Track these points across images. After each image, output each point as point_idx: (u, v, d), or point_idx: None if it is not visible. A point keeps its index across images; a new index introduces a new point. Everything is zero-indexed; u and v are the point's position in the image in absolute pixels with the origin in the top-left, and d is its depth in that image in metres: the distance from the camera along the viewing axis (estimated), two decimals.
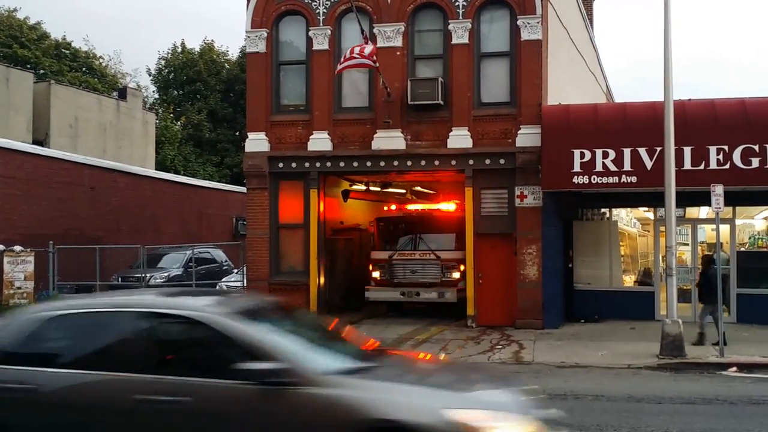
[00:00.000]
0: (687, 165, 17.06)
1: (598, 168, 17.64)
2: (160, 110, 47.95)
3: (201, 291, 8.08)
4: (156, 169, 37.21)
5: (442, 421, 5.97)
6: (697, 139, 17.13)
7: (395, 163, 19.81)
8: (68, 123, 33.36)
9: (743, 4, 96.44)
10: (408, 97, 19.18)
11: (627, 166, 17.50)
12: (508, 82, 19.31)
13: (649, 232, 22.07)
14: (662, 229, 18.39)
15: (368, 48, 18.00)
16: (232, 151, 46.52)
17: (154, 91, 51.14)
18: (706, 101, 17.94)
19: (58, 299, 7.75)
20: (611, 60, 75.00)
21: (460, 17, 19.30)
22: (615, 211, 21.57)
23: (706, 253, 18.22)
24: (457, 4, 19.31)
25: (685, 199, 17.29)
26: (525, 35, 18.92)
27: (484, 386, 6.94)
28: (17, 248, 22.49)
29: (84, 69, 46.77)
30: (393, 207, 22.42)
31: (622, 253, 21.23)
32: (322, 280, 20.34)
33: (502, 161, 19.07)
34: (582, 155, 17.74)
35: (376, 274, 20.91)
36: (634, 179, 17.48)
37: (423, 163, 19.67)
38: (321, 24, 20.14)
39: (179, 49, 49.15)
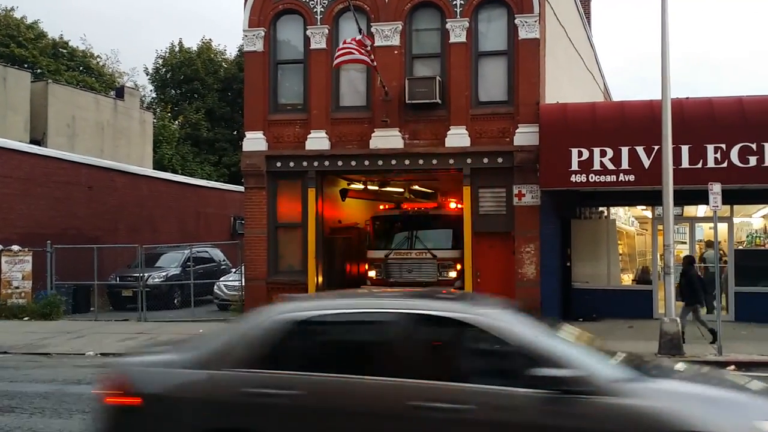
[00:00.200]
0: (685, 163, 17.08)
1: (596, 167, 17.66)
2: (157, 109, 47.92)
3: (458, 295, 7.49)
4: (154, 169, 37.18)
5: None
6: (695, 138, 17.15)
7: (393, 162, 19.81)
8: (66, 122, 33.33)
9: (737, 3, 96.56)
10: (406, 96, 19.18)
11: (625, 165, 17.52)
12: (506, 81, 19.31)
13: (647, 230, 22.11)
14: (660, 227, 18.39)
15: (365, 41, 17.99)
16: (229, 151, 46.50)
17: (151, 90, 51.18)
18: (704, 100, 17.96)
19: (295, 300, 7.26)
20: (609, 59, 75.18)
21: (458, 16, 19.30)
22: (613, 209, 21.59)
23: (686, 254, 18.32)
24: (454, 3, 19.31)
25: (683, 198, 17.31)
26: (522, 34, 18.93)
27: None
28: (15, 248, 22.51)
29: (81, 68, 46.73)
30: (389, 206, 22.24)
31: (620, 251, 21.25)
32: (320, 279, 20.33)
33: (500, 160, 19.08)
34: (580, 154, 17.76)
35: (371, 274, 20.77)
36: (631, 178, 17.49)
37: (421, 162, 19.67)
38: (318, 23, 20.14)
39: (177, 49, 49.11)
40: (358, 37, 18.09)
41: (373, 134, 19.77)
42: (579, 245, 20.63)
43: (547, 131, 18.14)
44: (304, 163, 20.21)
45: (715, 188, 14.90)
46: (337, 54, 18.45)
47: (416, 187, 25.20)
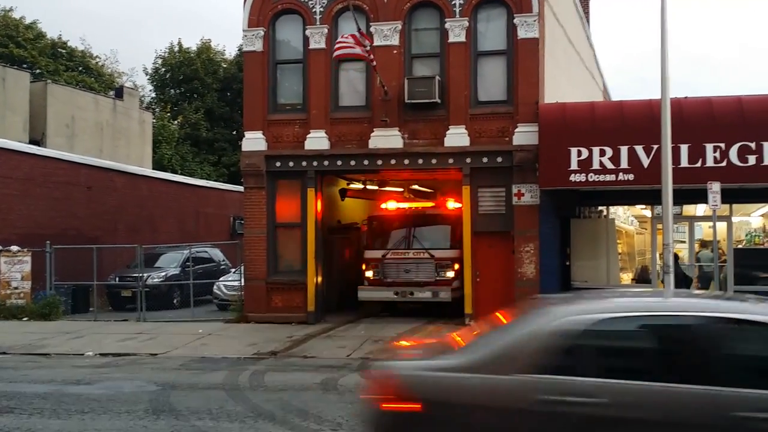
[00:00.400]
0: (684, 162, 17.07)
1: (595, 166, 17.65)
2: (157, 109, 47.91)
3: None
4: (153, 169, 37.18)
5: None
6: (694, 137, 17.14)
7: (392, 161, 19.80)
8: (65, 122, 33.32)
9: (736, 3, 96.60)
10: (405, 95, 19.17)
11: (624, 164, 17.51)
12: (505, 80, 19.31)
13: (646, 229, 22.10)
14: (659, 226, 18.38)
15: (364, 41, 18.00)
16: (229, 150, 46.51)
17: (150, 90, 51.17)
18: (703, 99, 17.96)
19: (574, 301, 6.88)
20: (608, 58, 75.14)
21: (457, 16, 19.30)
22: (612, 208, 21.56)
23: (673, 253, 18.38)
24: (453, 2, 19.31)
25: (682, 197, 17.29)
26: (522, 33, 18.93)
27: None
28: (14, 248, 22.51)
29: (80, 68, 46.72)
30: (386, 205, 22.14)
31: (620, 250, 21.22)
32: (319, 279, 20.33)
33: (499, 159, 19.08)
34: (579, 153, 17.75)
35: (369, 274, 20.71)
36: (631, 177, 17.49)
37: (420, 161, 19.66)
38: (318, 23, 20.13)
39: (176, 49, 49.12)
40: (356, 33, 18.08)
41: (372, 134, 19.76)
42: (578, 244, 20.60)
43: (546, 131, 18.14)
44: (304, 163, 20.20)
45: (714, 187, 14.90)
46: (336, 47, 18.45)
47: (416, 187, 25.19)
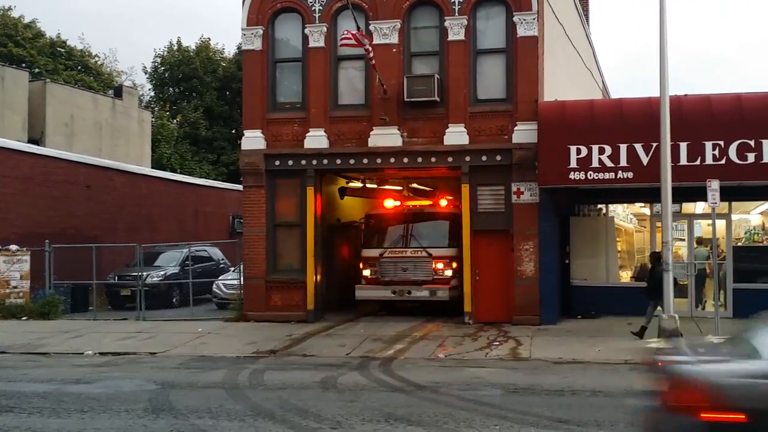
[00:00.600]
0: (683, 160, 17.07)
1: (595, 164, 17.65)
2: (156, 108, 47.87)
3: None
4: (152, 168, 37.15)
5: None
6: (693, 135, 17.14)
7: (392, 160, 19.79)
8: (64, 122, 33.30)
9: (734, 1, 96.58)
10: (404, 94, 19.16)
11: (623, 162, 17.51)
12: (505, 78, 19.30)
13: (645, 227, 22.10)
14: (658, 224, 18.39)
15: (364, 40, 18.00)
16: (228, 149, 46.49)
17: (150, 89, 51.13)
18: (702, 97, 17.96)
19: None
20: (606, 55, 75.13)
21: (456, 14, 19.29)
22: (611, 206, 21.59)
23: (655, 250, 18.42)
24: (453, 0, 19.29)
25: (681, 195, 17.31)
26: (521, 32, 18.92)
27: None
28: (13, 247, 22.50)
29: (79, 67, 46.68)
30: (384, 203, 22.01)
31: (619, 248, 21.26)
32: (318, 277, 20.32)
33: (498, 158, 19.07)
34: (578, 151, 17.75)
35: (366, 272, 20.61)
36: (630, 175, 17.49)
37: (419, 160, 19.66)
38: (317, 21, 20.12)
39: (175, 47, 49.08)
40: (355, 31, 18.06)
41: (371, 132, 19.76)
42: (578, 242, 20.64)
43: (545, 129, 18.14)
44: (303, 162, 20.19)
45: (714, 185, 14.90)
46: (340, 38, 18.40)
47: (415, 185, 25.17)
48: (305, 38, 20.30)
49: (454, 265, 19.92)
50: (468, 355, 15.19)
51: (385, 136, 19.60)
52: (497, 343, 16.38)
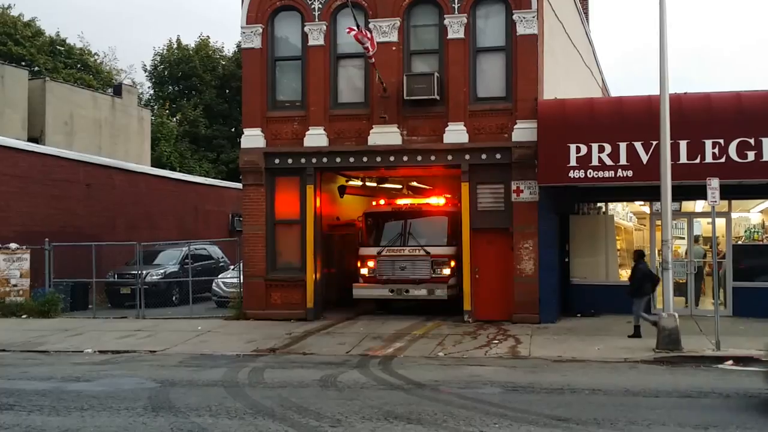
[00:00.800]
0: (683, 159, 17.08)
1: (594, 162, 17.65)
2: (155, 107, 47.85)
3: None
4: (152, 166, 37.14)
5: None
6: (693, 133, 17.14)
7: (391, 158, 19.79)
8: (63, 120, 33.29)
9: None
10: (404, 92, 19.16)
11: (623, 160, 17.52)
12: (504, 76, 19.30)
13: (645, 226, 22.10)
14: (658, 222, 18.37)
15: (364, 39, 17.97)
16: (227, 148, 46.49)
17: (149, 87, 51.10)
18: (702, 95, 17.96)
19: None
20: (606, 53, 75.08)
21: (456, 12, 19.28)
22: (611, 205, 21.59)
23: (637, 248, 18.43)
24: None
25: (681, 193, 17.31)
26: (521, 30, 18.91)
27: None
28: (13, 246, 22.52)
29: (79, 66, 46.66)
30: (382, 202, 21.86)
31: (619, 247, 21.26)
32: (318, 276, 20.32)
33: (498, 156, 19.06)
34: (578, 149, 17.75)
35: (364, 271, 20.53)
36: (630, 173, 17.49)
37: (419, 158, 19.65)
38: (316, 19, 20.11)
39: (175, 45, 49.06)
40: (355, 31, 18.03)
41: (371, 131, 19.76)
42: (577, 241, 20.64)
43: (545, 127, 18.14)
44: (303, 160, 20.19)
45: (713, 183, 14.90)
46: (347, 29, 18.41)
47: (414, 184, 25.15)
48: (305, 36, 20.29)
49: (453, 263, 19.89)
50: (468, 353, 15.20)
51: (385, 135, 19.60)
52: (497, 341, 16.39)
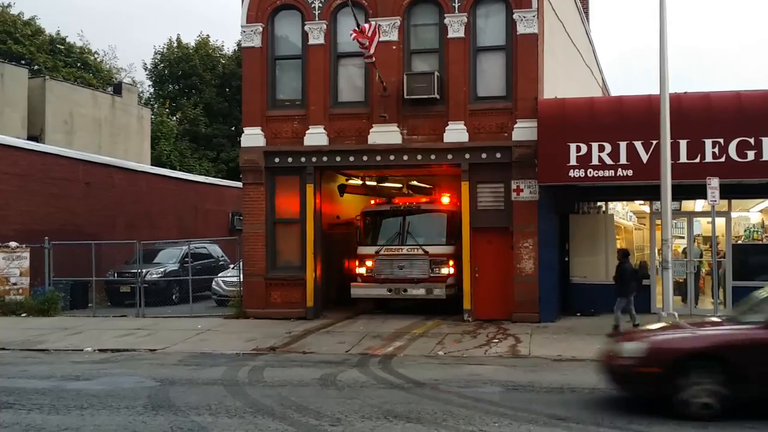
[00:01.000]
0: (683, 158, 17.08)
1: (594, 161, 17.65)
2: (155, 105, 47.84)
3: None
4: (152, 165, 37.12)
5: None
6: (693, 132, 17.14)
7: (391, 157, 19.78)
8: (63, 119, 33.28)
9: None
10: (404, 91, 19.16)
11: (623, 160, 17.52)
12: (504, 76, 19.29)
13: (645, 225, 22.12)
14: (658, 222, 18.38)
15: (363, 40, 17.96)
16: (227, 146, 46.47)
17: (149, 86, 51.07)
18: (702, 94, 17.95)
19: None
20: (607, 53, 75.14)
21: (456, 11, 19.28)
22: (611, 204, 21.60)
23: (621, 247, 18.45)
24: None
25: (680, 192, 17.31)
26: (521, 29, 18.91)
27: None
28: (12, 244, 22.51)
29: (79, 64, 46.63)
30: (381, 200, 21.83)
31: (618, 246, 21.24)
32: (318, 274, 20.31)
33: (498, 155, 19.06)
34: (578, 149, 17.75)
35: (361, 270, 20.47)
36: (630, 173, 17.49)
37: (419, 157, 19.65)
38: (316, 18, 20.11)
39: (175, 44, 49.04)
40: (355, 33, 18.02)
41: (371, 130, 19.75)
42: (577, 240, 20.64)
43: (545, 126, 18.14)
44: (303, 159, 20.19)
45: (713, 183, 14.91)
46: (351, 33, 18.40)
47: (414, 183, 25.14)
48: (305, 35, 20.28)
49: (451, 262, 19.85)
50: (467, 352, 15.20)
51: (385, 134, 19.60)
52: (497, 340, 16.39)
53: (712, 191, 14.90)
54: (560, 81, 21.29)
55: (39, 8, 59.00)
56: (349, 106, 20.15)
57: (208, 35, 50.69)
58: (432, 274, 19.86)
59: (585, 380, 12.27)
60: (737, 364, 9.49)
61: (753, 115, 17.20)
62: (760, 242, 20.32)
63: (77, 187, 27.43)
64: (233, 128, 46.74)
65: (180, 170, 39.67)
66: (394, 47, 19.60)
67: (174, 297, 25.54)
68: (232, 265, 26.00)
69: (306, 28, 20.22)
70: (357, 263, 20.70)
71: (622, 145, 17.50)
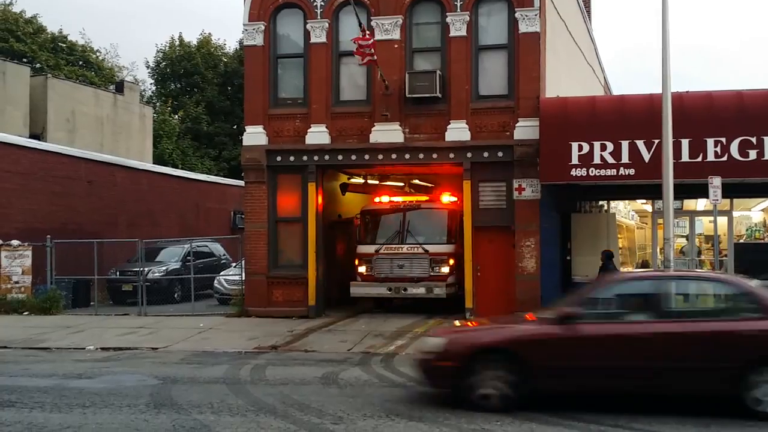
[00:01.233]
0: (685, 157, 17.06)
1: (596, 160, 17.64)
2: (157, 104, 47.86)
3: None
4: (154, 163, 37.13)
5: None
6: (695, 131, 17.13)
7: (393, 156, 19.78)
8: (65, 117, 33.30)
9: None
10: (406, 90, 19.16)
11: (625, 159, 17.50)
12: (506, 74, 19.28)
13: (647, 224, 22.10)
14: (660, 221, 18.41)
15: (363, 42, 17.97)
16: (229, 145, 46.46)
17: (151, 84, 51.08)
18: (704, 93, 17.94)
19: None
20: (609, 52, 75.09)
21: (458, 10, 19.27)
22: (613, 203, 21.57)
23: (606, 249, 18.46)
24: None
25: (682, 192, 17.30)
26: (523, 28, 18.90)
27: None
28: (14, 243, 22.54)
29: (81, 63, 46.66)
30: (380, 199, 21.73)
31: (620, 245, 21.22)
32: (320, 273, 20.31)
33: (500, 154, 19.06)
34: (580, 148, 17.74)
35: (361, 269, 20.40)
36: (631, 171, 17.48)
37: (421, 156, 19.65)
38: (319, 17, 20.11)
39: (177, 43, 49.04)
40: (358, 40, 18.00)
41: (373, 128, 19.75)
42: (579, 239, 20.60)
43: (547, 125, 18.13)
44: (305, 158, 20.19)
45: (715, 182, 14.89)
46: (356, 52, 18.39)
47: (416, 182, 25.11)
48: (307, 34, 20.28)
49: (452, 261, 19.82)
50: None
51: (387, 132, 19.60)
52: None
53: (714, 190, 14.89)
54: (562, 80, 21.28)
55: (40, 6, 59.10)
56: (351, 105, 20.15)
57: (210, 34, 50.83)
58: (432, 273, 19.83)
59: None
60: (526, 358, 9.97)
61: (755, 114, 17.18)
62: (762, 241, 20.31)
63: (79, 185, 27.44)
64: (235, 126, 46.73)
65: (182, 169, 39.69)
66: (396, 46, 19.59)
67: (176, 295, 25.55)
68: (234, 264, 26.02)
69: (308, 26, 20.22)
70: (357, 262, 20.66)
71: (624, 144, 17.49)
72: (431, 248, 19.93)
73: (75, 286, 23.70)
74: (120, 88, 38.27)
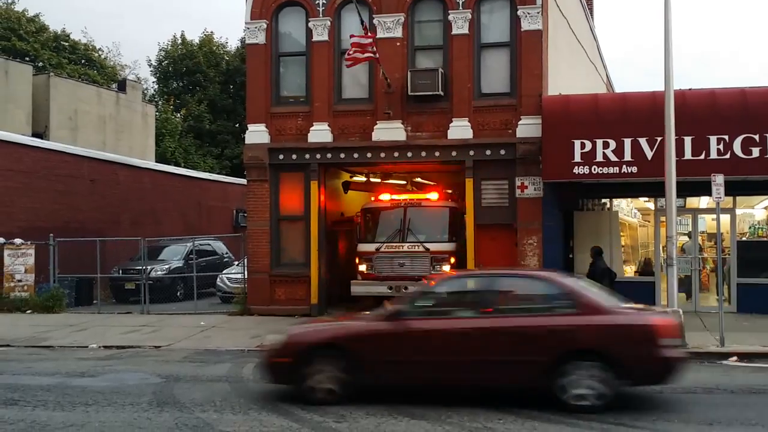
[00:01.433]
0: (687, 155, 17.05)
1: (599, 158, 17.63)
2: (159, 102, 47.88)
3: None
4: (156, 162, 37.18)
5: None
6: (698, 129, 17.11)
7: (395, 154, 19.78)
8: (68, 115, 33.34)
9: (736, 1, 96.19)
10: (408, 88, 19.15)
11: (627, 156, 17.49)
12: (509, 72, 19.27)
13: (649, 222, 22.06)
14: (663, 219, 18.38)
15: (364, 41, 17.97)
16: (232, 143, 46.48)
17: (153, 83, 51.12)
18: (706, 91, 17.91)
19: None
20: (611, 49, 74.88)
21: (460, 7, 19.25)
22: (615, 201, 21.54)
23: (594, 245, 18.42)
24: None
25: (685, 189, 17.28)
26: (525, 25, 18.88)
27: None
28: (17, 241, 22.56)
29: (83, 61, 46.70)
30: (381, 197, 21.42)
31: (623, 243, 21.23)
32: (322, 271, 20.32)
33: (502, 152, 19.05)
34: (582, 145, 17.73)
35: (362, 268, 20.16)
36: (634, 169, 17.46)
37: (423, 154, 19.64)
38: (321, 15, 20.10)
39: (179, 41, 49.06)
40: (356, 37, 18.00)
41: (375, 126, 19.75)
42: (581, 237, 20.60)
43: (549, 123, 18.11)
44: (307, 156, 20.19)
45: (718, 180, 14.86)
46: (347, 56, 18.39)
47: (419, 180, 25.05)
48: (309, 32, 20.28)
49: (453, 260, 19.75)
50: None
51: (389, 131, 19.59)
52: None
53: (717, 188, 14.86)
54: (564, 77, 21.26)
55: (43, 5, 59.13)
56: (354, 103, 20.15)
57: (212, 32, 50.78)
58: (433, 272, 19.75)
59: None
60: (356, 353, 10.35)
61: (758, 111, 17.16)
62: (765, 239, 20.27)
63: (82, 184, 27.48)
64: (237, 125, 46.75)
65: (184, 167, 39.72)
66: (398, 44, 19.58)
67: (178, 294, 25.57)
68: (236, 262, 26.01)
69: (310, 24, 20.21)
70: (357, 260, 20.57)
71: (627, 141, 17.48)
72: (432, 246, 19.79)
73: (78, 285, 23.72)
74: (122, 86, 38.30)
